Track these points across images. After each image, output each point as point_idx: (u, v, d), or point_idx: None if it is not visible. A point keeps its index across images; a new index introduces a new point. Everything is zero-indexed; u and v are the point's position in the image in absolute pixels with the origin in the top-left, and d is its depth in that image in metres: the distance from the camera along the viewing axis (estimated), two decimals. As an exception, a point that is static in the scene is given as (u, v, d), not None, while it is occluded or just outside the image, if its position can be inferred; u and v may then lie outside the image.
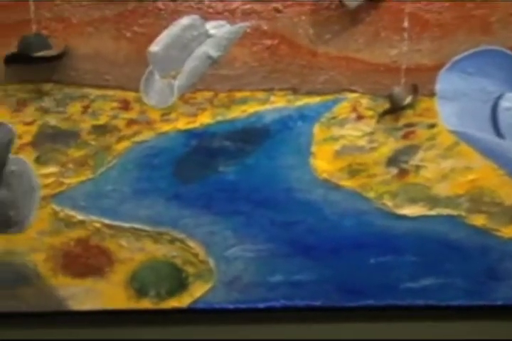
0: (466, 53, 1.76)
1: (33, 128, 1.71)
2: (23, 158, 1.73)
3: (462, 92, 1.76)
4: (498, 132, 1.78)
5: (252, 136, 1.75)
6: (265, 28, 1.70)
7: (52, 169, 1.74)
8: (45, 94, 1.69)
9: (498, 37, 1.74)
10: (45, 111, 1.70)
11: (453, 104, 1.77)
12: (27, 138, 1.71)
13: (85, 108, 1.70)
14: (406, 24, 1.72)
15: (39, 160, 1.73)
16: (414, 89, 1.73)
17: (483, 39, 1.74)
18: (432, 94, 1.75)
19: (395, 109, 1.75)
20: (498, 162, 1.77)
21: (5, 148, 1.67)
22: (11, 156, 1.70)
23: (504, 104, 1.76)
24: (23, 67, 1.66)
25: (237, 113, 1.74)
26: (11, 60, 1.64)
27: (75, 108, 1.71)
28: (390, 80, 1.74)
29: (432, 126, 1.77)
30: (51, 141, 1.72)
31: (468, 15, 1.74)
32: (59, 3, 1.65)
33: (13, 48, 1.63)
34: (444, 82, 1.76)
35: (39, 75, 1.68)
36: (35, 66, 1.66)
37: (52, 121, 1.71)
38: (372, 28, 1.72)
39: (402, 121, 1.78)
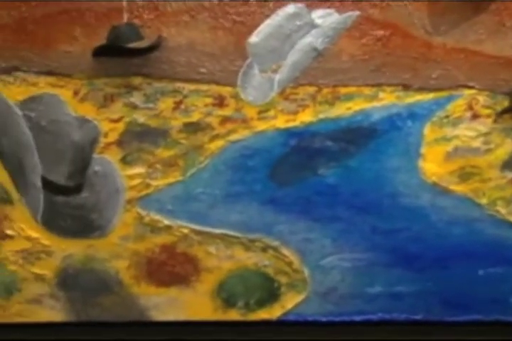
0: None
1: (120, 126, 1.65)
2: (107, 158, 1.67)
3: None
4: None
5: (356, 136, 1.68)
6: (377, 17, 1.60)
7: (138, 170, 1.68)
8: (135, 89, 1.63)
9: None
10: (134, 107, 1.63)
11: None
12: (113, 137, 1.65)
13: (177, 104, 1.64)
14: None
15: (125, 160, 1.68)
16: None
17: None
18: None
19: (517, 108, 1.65)
20: None
21: (89, 147, 1.62)
22: (95, 156, 1.64)
23: None
24: (112, 59, 1.59)
25: (341, 110, 1.66)
26: (99, 52, 1.56)
27: (165, 104, 1.64)
28: (511, 76, 1.64)
29: (555, 125, 1.68)
30: (138, 139, 1.66)
31: None
32: (153, -10, 1.56)
33: (102, 39, 1.56)
34: None
35: (128, 68, 1.61)
36: (125, 58, 1.59)
37: (141, 118, 1.64)
38: (496, 17, 1.63)
39: (522, 121, 1.68)
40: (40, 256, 1.73)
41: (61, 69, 1.61)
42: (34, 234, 1.71)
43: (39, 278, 1.74)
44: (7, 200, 1.68)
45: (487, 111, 1.68)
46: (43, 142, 1.63)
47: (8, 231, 1.70)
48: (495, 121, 1.68)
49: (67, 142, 1.63)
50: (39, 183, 1.65)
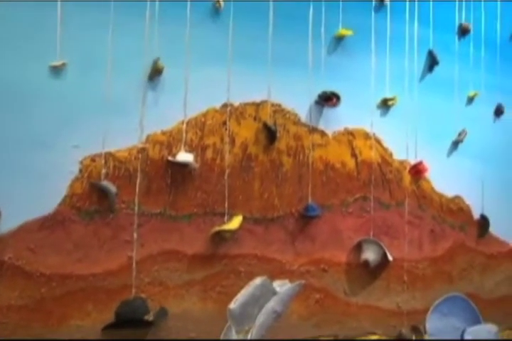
0: (441, 299, 2.69)
1: None
2: None
3: (442, 329, 2.65)
4: (466, 360, 2.68)
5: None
6: (315, 284, 2.37)
7: None
8: (135, 356, 2.00)
9: (457, 286, 2.74)
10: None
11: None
12: None
13: (171, 367, 2.06)
14: (405, 278, 2.60)
15: None
16: (416, 330, 2.56)
17: (450, 287, 2.71)
18: (425, 332, 2.59)
19: (405, 348, 2.54)
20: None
21: None
22: None
23: (466, 337, 2.69)
24: (119, 331, 1.98)
25: (293, 361, 2.29)
26: (109, 326, 1.95)
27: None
28: (397, 322, 2.55)
29: (426, 358, 2.59)
30: None
31: (440, 270, 2.71)
32: (158, 269, 2.06)
33: (111, 312, 1.95)
34: (430, 322, 2.64)
35: (132, 337, 2.00)
36: (130, 329, 2.00)
37: (137, 383, 2.00)
38: (384, 282, 2.55)
39: (408, 354, 2.56)
40: None
41: (71, 345, 1.91)
42: None
43: None
44: None
45: (386, 351, 2.51)
46: None
47: None
48: (392, 358, 2.51)
49: None
50: None
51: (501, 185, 2.95)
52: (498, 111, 3.04)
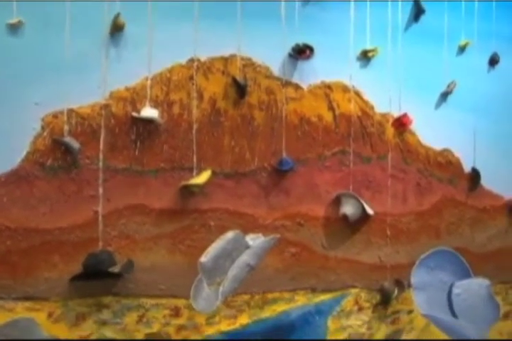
0: (427, 253, 2.66)
1: (89, 342, 2.05)
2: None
3: (428, 283, 2.63)
4: (453, 313, 2.66)
5: (281, 332, 2.34)
6: (291, 238, 2.38)
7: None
8: (104, 307, 2.07)
9: (445, 240, 2.70)
10: (103, 323, 2.07)
11: (423, 293, 2.62)
12: (82, 353, 2.04)
13: (140, 317, 2.12)
14: (388, 232, 2.58)
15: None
16: (399, 284, 2.55)
17: (438, 242, 2.68)
18: (409, 286, 2.58)
19: (386, 301, 2.54)
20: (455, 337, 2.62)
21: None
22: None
23: (455, 290, 2.66)
24: (86, 282, 2.04)
25: (269, 312, 2.33)
26: (77, 277, 2.01)
27: (130, 318, 2.11)
28: (380, 276, 2.54)
29: (411, 311, 2.60)
30: (105, 354, 2.07)
31: (427, 224, 2.68)
32: (125, 222, 2.11)
33: (78, 264, 2.02)
34: (416, 276, 2.62)
35: (100, 289, 2.07)
36: (98, 281, 2.06)
37: (108, 332, 2.07)
38: (365, 235, 2.54)
39: (390, 310, 2.56)
40: None
41: (39, 294, 1.98)
42: None
43: None
44: None
45: (367, 304, 2.52)
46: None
47: None
48: (373, 312, 2.52)
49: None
50: None
51: (495, 137, 2.88)
52: (493, 61, 2.93)
